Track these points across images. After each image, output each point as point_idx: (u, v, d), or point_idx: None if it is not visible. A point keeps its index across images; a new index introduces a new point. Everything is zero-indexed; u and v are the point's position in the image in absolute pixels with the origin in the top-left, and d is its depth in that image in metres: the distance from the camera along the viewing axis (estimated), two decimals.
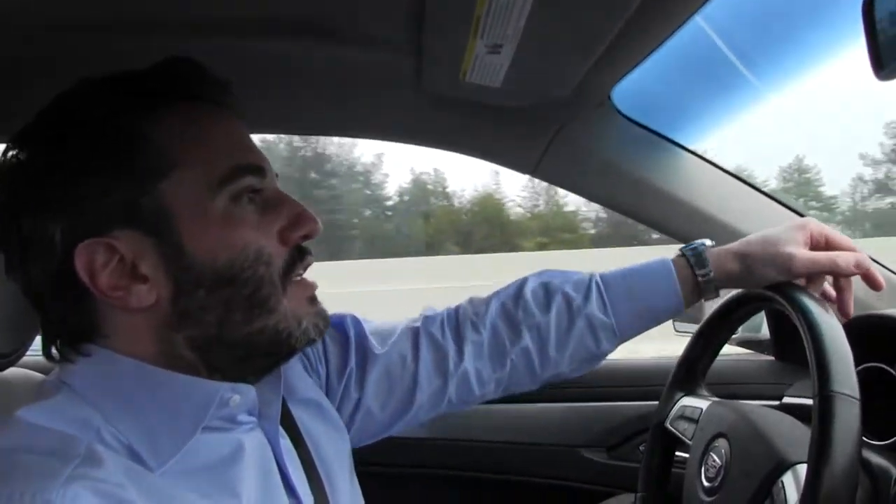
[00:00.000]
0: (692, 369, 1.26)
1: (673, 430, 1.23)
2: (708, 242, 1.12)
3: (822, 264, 1.06)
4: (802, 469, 0.88)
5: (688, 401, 1.23)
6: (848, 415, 0.85)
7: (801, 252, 1.05)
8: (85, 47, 1.14)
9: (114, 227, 0.75)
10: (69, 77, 0.81)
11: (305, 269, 0.86)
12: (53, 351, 0.81)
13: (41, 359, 1.19)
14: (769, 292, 1.07)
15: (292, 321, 0.82)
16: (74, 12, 1.06)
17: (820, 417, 0.85)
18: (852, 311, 1.08)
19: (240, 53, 1.21)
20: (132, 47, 1.10)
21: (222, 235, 0.78)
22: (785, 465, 0.95)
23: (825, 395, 0.86)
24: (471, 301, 1.17)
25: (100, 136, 0.77)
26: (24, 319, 1.00)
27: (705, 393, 1.25)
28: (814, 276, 1.07)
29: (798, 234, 1.07)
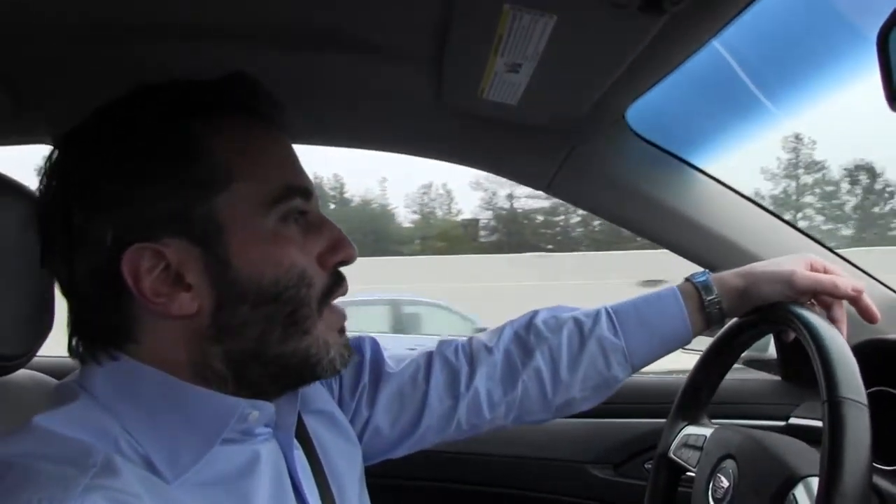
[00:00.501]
0: (695, 398, 1.26)
1: (677, 459, 1.23)
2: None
3: (823, 283, 1.09)
4: (814, 482, 0.89)
5: (691, 429, 1.24)
6: (858, 419, 0.85)
7: (803, 270, 1.09)
8: (138, 55, 1.17)
9: (164, 234, 0.76)
10: (111, 81, 0.82)
11: (343, 294, 0.88)
12: (74, 347, 0.82)
13: (47, 360, 1.21)
14: (771, 313, 1.10)
15: (322, 347, 0.84)
16: (116, 16, 1.09)
17: (830, 423, 0.86)
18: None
19: (262, 64, 1.22)
20: (161, 57, 1.13)
21: (270, 253, 0.79)
22: (796, 479, 0.95)
23: (834, 401, 0.87)
24: (485, 333, 1.19)
25: (160, 142, 0.78)
26: (32, 322, 1.00)
27: (708, 422, 1.25)
28: (813, 294, 1.10)
29: (799, 260, 1.11)
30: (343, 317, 0.89)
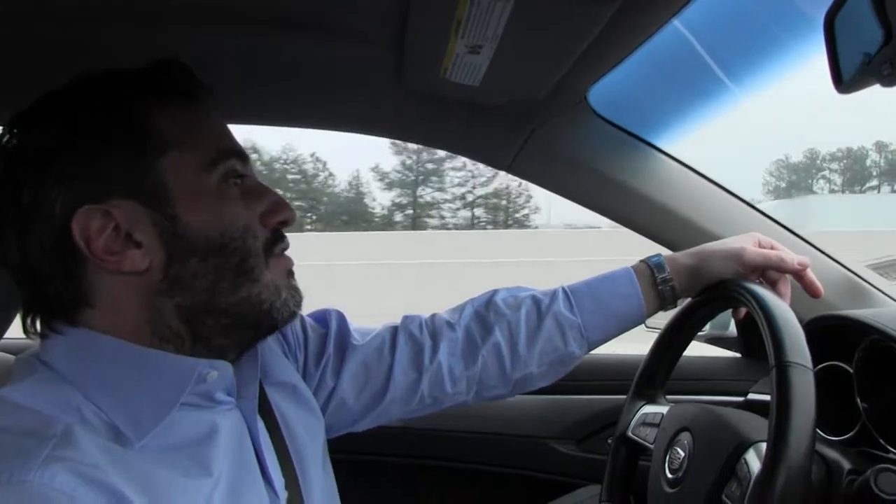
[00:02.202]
0: (652, 378, 1.30)
1: (635, 437, 1.26)
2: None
3: (770, 258, 1.15)
4: (764, 447, 0.92)
5: (649, 408, 1.27)
6: (803, 381, 0.89)
7: (752, 247, 1.15)
8: (82, 37, 1.17)
9: (111, 196, 0.79)
10: (68, 65, 0.85)
11: (285, 249, 0.91)
12: (29, 326, 0.84)
13: (13, 342, 1.21)
14: (721, 290, 1.14)
15: (273, 292, 0.87)
16: (73, 2, 1.09)
17: (777, 384, 0.90)
18: None
19: (225, 46, 1.23)
20: (119, 39, 1.13)
21: (214, 208, 0.83)
22: (747, 444, 0.98)
23: (781, 365, 0.91)
24: (446, 311, 1.22)
25: (104, 119, 0.81)
26: (2, 305, 1.01)
27: (665, 400, 1.28)
28: (761, 269, 1.16)
29: (747, 238, 1.17)
30: (290, 261, 0.93)
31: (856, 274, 1.51)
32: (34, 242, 0.79)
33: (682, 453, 1.08)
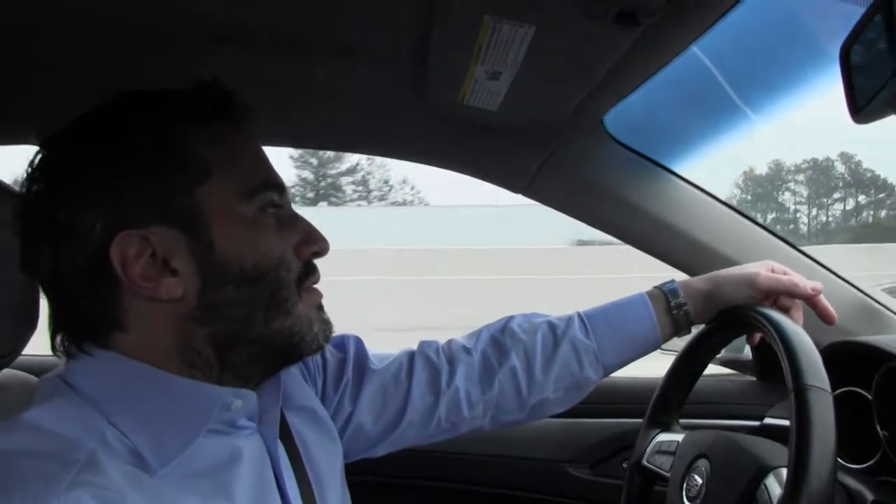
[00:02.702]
0: (667, 406, 1.29)
1: (650, 465, 1.25)
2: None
3: (784, 283, 1.15)
4: (784, 472, 0.92)
5: (664, 436, 1.26)
6: (823, 405, 0.89)
7: (765, 272, 1.15)
8: (110, 59, 1.19)
9: (150, 222, 0.79)
10: (95, 84, 0.87)
11: (316, 282, 0.91)
12: (57, 344, 0.83)
13: (30, 359, 1.21)
14: (735, 315, 1.14)
15: (305, 324, 0.87)
16: (92, 23, 1.10)
17: (797, 408, 0.90)
18: None
19: (250, 68, 1.24)
20: (145, 59, 1.15)
21: (250, 239, 0.83)
22: (766, 470, 0.98)
23: (800, 388, 0.91)
24: (463, 336, 1.23)
25: (144, 142, 0.81)
26: (17, 321, 1.01)
27: (680, 428, 1.28)
28: (775, 294, 1.16)
29: (760, 265, 1.17)
30: (320, 295, 0.93)
31: (872, 298, 1.51)
32: (68, 260, 0.79)
33: (699, 480, 1.08)
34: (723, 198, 1.56)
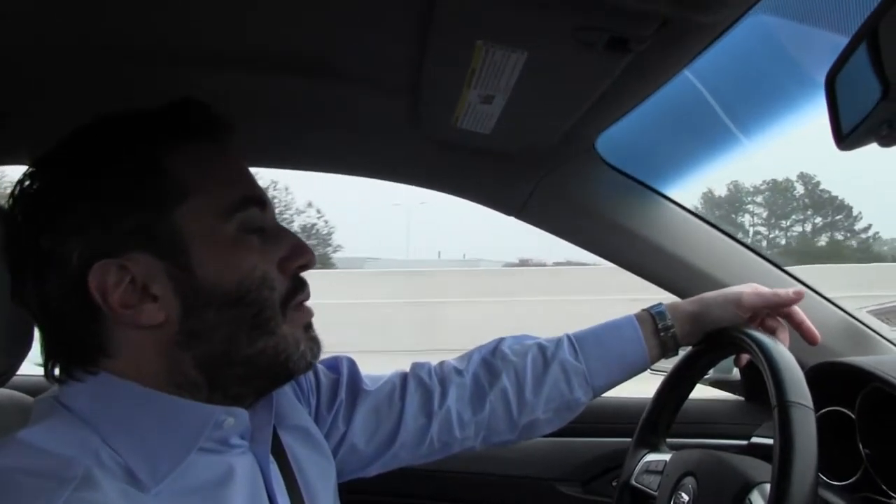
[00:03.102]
0: (655, 427, 1.31)
1: (639, 485, 1.27)
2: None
3: (767, 297, 1.18)
4: (769, 487, 0.93)
5: (652, 457, 1.28)
6: (805, 420, 0.92)
7: (748, 291, 1.18)
8: (104, 82, 1.20)
9: (128, 249, 0.79)
10: (90, 104, 0.86)
11: (305, 300, 0.91)
12: (50, 370, 0.84)
13: (25, 379, 1.21)
14: (721, 337, 1.17)
15: (291, 344, 0.87)
16: (87, 43, 1.11)
17: (780, 423, 0.92)
18: None
19: (242, 89, 1.25)
20: (141, 78, 1.16)
21: (231, 259, 0.83)
22: (751, 485, 1.00)
23: (783, 404, 0.93)
24: (454, 358, 1.24)
25: (120, 166, 0.81)
26: (13, 341, 1.01)
27: (668, 449, 1.30)
28: (760, 312, 1.19)
29: (745, 287, 1.20)
30: (310, 314, 0.92)
31: (858, 320, 1.53)
32: (52, 289, 0.79)
33: (686, 497, 1.09)
34: None
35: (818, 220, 45.99)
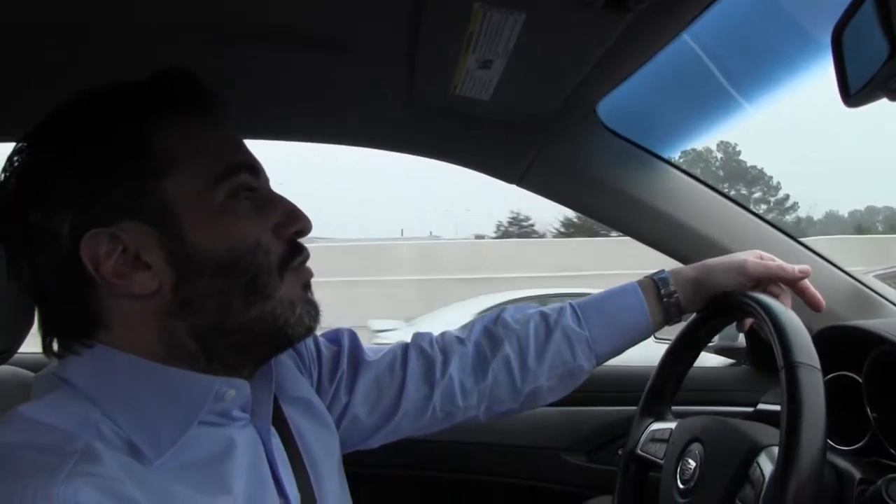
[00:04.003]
0: (660, 395, 1.30)
1: (644, 454, 1.26)
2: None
3: (771, 269, 1.17)
4: (776, 450, 0.92)
5: (657, 425, 1.27)
6: (813, 381, 0.90)
7: (754, 259, 1.17)
8: (87, 54, 1.18)
9: (118, 219, 0.78)
10: (74, 81, 0.84)
11: (304, 261, 0.90)
12: (48, 345, 0.83)
13: (28, 356, 1.22)
14: (725, 302, 1.16)
15: (287, 307, 0.86)
16: (78, 19, 1.10)
17: (787, 385, 0.91)
18: None
19: (237, 61, 1.24)
20: (131, 54, 1.14)
21: (222, 227, 0.82)
22: (759, 448, 0.99)
23: (790, 365, 0.92)
24: (456, 328, 1.24)
25: (107, 139, 0.80)
26: (15, 318, 1.01)
27: (673, 417, 1.29)
28: (764, 281, 1.18)
29: (749, 253, 1.20)
30: (309, 273, 0.91)
31: (864, 284, 1.52)
32: (45, 264, 0.79)
33: (693, 463, 1.08)
34: None
35: (742, 189, 46.11)
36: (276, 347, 0.90)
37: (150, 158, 0.81)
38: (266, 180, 0.91)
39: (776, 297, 1.16)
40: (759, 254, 1.20)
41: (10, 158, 0.83)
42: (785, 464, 0.86)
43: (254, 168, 0.88)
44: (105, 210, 0.78)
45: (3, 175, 0.83)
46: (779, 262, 1.18)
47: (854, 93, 0.76)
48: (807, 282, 1.18)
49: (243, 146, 0.90)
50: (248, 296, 0.83)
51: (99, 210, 0.78)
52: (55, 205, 0.78)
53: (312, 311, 0.90)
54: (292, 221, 0.88)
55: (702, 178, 1.57)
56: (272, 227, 0.87)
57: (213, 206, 0.82)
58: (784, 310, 1.01)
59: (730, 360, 1.92)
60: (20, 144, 0.83)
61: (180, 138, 0.83)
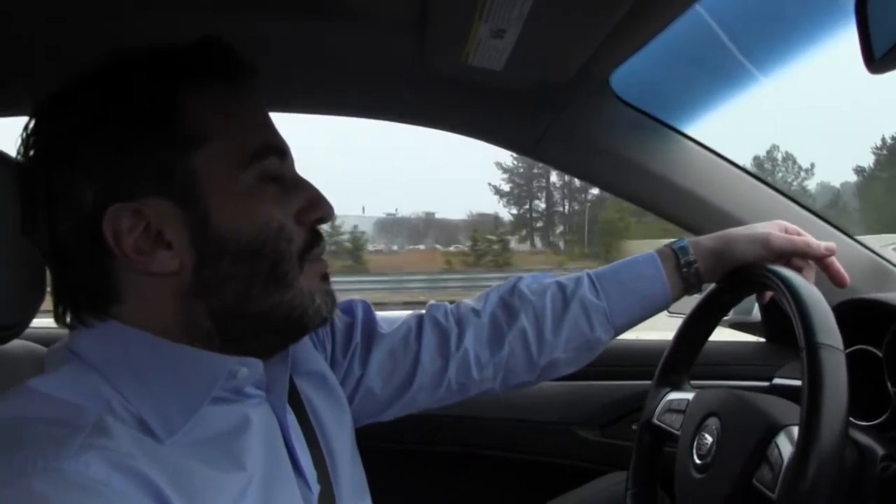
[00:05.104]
0: (677, 365, 1.28)
1: (660, 424, 1.24)
2: None
3: (797, 244, 1.14)
4: (796, 430, 0.91)
5: (674, 395, 1.25)
6: (835, 363, 0.88)
7: (778, 233, 1.14)
8: (104, 24, 1.18)
9: (143, 194, 0.76)
10: (92, 53, 0.81)
11: (321, 253, 0.88)
12: (60, 314, 0.82)
13: (40, 331, 1.21)
14: (747, 273, 1.13)
15: (307, 298, 0.84)
16: None
17: (809, 367, 0.88)
18: None
19: (248, 32, 1.22)
20: (151, 24, 1.13)
21: (247, 209, 0.80)
22: (778, 428, 0.97)
23: (812, 346, 0.90)
24: (471, 298, 1.22)
25: (140, 103, 0.78)
26: (27, 291, 1.01)
27: (690, 387, 1.27)
28: (788, 255, 1.15)
29: (773, 224, 1.16)
30: (325, 265, 0.90)
31: (882, 257, 1.50)
32: (63, 230, 0.77)
33: (710, 439, 1.07)
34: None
35: None
36: (293, 336, 0.89)
37: (182, 129, 0.78)
38: (292, 163, 0.88)
39: (799, 270, 1.14)
40: (782, 225, 1.17)
41: (37, 116, 0.81)
42: (804, 450, 0.84)
43: (283, 150, 0.86)
44: (131, 183, 0.76)
45: (24, 134, 0.81)
46: (805, 237, 1.15)
47: (879, 58, 0.74)
48: (833, 258, 1.16)
49: (274, 127, 0.88)
50: (268, 283, 0.81)
51: (125, 182, 0.76)
52: (80, 172, 0.76)
53: (330, 301, 0.89)
54: (316, 207, 0.86)
55: None
56: (295, 212, 0.85)
57: (242, 189, 0.80)
58: (808, 287, 0.99)
59: (744, 335, 1.90)
60: (46, 104, 0.81)
61: (214, 112, 0.81)
